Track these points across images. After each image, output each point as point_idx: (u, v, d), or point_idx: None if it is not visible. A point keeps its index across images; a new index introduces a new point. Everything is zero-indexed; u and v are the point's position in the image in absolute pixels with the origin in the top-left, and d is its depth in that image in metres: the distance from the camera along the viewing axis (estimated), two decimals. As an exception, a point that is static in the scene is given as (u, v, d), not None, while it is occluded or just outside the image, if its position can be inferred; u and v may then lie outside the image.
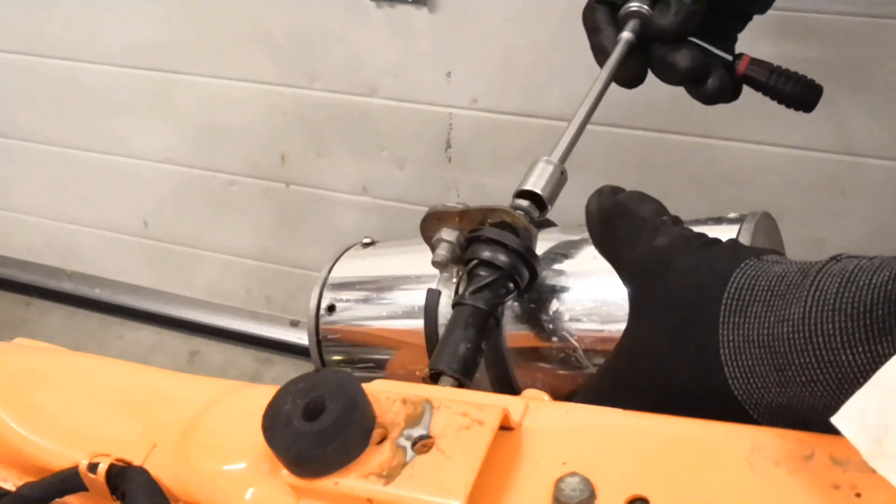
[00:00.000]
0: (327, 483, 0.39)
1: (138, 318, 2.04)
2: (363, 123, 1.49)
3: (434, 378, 0.48)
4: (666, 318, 0.41)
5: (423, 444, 0.39)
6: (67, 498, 0.51)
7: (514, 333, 0.54)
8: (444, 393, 0.45)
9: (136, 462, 0.49)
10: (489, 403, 0.40)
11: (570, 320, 0.51)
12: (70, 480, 0.50)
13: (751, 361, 0.37)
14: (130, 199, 1.86)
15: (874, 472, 0.29)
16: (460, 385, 0.47)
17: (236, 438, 0.47)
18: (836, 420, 0.31)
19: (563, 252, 0.55)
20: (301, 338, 1.89)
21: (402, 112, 1.42)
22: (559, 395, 0.43)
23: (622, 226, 0.46)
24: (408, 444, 0.39)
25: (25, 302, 2.15)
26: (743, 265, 0.39)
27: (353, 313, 0.63)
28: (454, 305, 0.52)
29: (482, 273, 0.51)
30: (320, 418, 0.39)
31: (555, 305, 0.52)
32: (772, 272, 0.38)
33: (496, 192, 1.46)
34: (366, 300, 0.63)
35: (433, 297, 0.56)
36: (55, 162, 1.87)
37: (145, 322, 2.04)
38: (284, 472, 0.40)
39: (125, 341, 2.03)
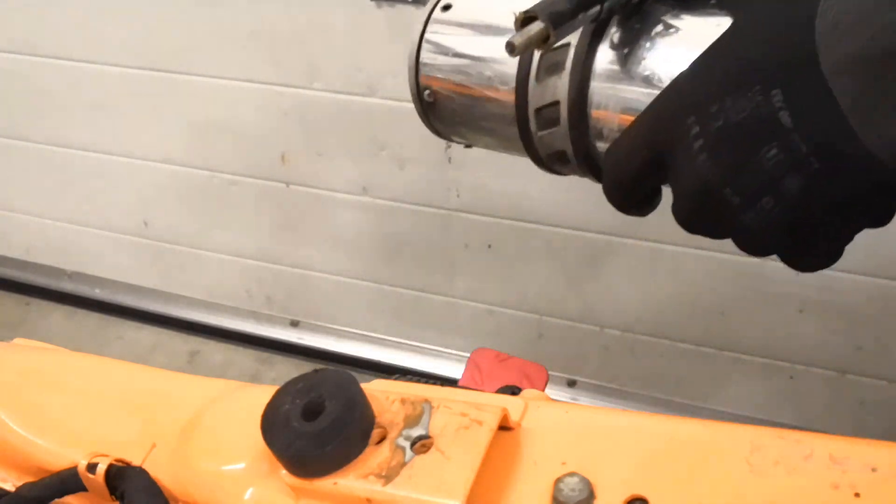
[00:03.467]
0: (326, 483, 0.39)
1: (138, 318, 2.04)
2: (363, 123, 1.49)
3: (525, 22, 0.46)
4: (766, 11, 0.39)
5: (422, 444, 0.39)
6: (67, 498, 0.51)
7: (606, 56, 0.48)
8: (443, 393, 0.45)
9: (136, 462, 0.49)
10: (488, 403, 0.40)
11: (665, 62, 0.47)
12: (69, 481, 0.50)
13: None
14: (130, 199, 1.86)
15: (873, 471, 0.29)
16: (546, 38, 0.45)
17: (236, 438, 0.46)
18: None
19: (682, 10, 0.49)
20: (301, 338, 1.90)
21: (402, 112, 1.42)
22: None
23: None
24: (407, 444, 0.39)
25: (25, 302, 2.15)
26: None
27: (473, 15, 0.55)
28: None
29: None
30: (319, 418, 0.39)
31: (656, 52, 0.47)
32: None
33: (496, 192, 1.46)
34: None
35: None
36: (55, 162, 1.87)
37: (145, 322, 2.04)
38: (283, 472, 0.40)
39: (125, 341, 2.03)
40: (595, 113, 0.48)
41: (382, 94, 1.42)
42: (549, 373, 0.82)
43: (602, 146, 0.49)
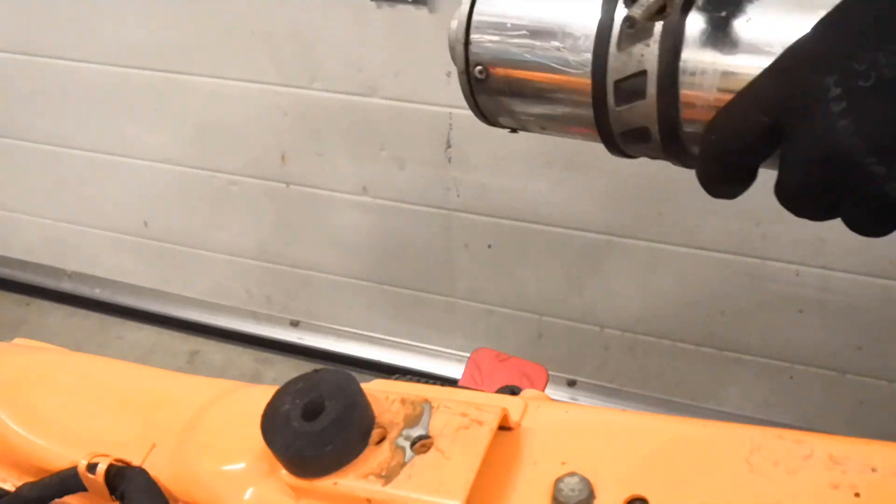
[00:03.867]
0: (326, 483, 0.39)
1: (138, 318, 2.04)
2: (363, 123, 1.49)
3: None
4: None
5: (422, 444, 0.39)
6: (67, 498, 0.51)
7: (698, 21, 0.44)
8: (443, 393, 0.45)
9: (136, 462, 0.49)
10: (488, 403, 0.40)
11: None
12: (69, 481, 0.50)
13: None
14: (130, 199, 1.86)
15: (873, 471, 0.29)
16: (663, 9, 0.41)
17: (235, 438, 0.47)
18: None
19: None
20: (301, 338, 1.90)
21: (402, 112, 1.42)
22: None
23: None
24: (407, 444, 0.39)
25: (25, 302, 2.15)
26: None
27: None
28: None
29: None
30: (319, 418, 0.39)
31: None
32: None
33: (496, 192, 1.46)
34: None
35: None
36: (55, 162, 1.87)
37: (145, 322, 2.04)
38: (283, 472, 0.40)
39: (125, 341, 2.03)
40: (687, 84, 0.43)
41: (382, 94, 1.42)
42: (549, 373, 0.82)
43: (690, 124, 0.44)
